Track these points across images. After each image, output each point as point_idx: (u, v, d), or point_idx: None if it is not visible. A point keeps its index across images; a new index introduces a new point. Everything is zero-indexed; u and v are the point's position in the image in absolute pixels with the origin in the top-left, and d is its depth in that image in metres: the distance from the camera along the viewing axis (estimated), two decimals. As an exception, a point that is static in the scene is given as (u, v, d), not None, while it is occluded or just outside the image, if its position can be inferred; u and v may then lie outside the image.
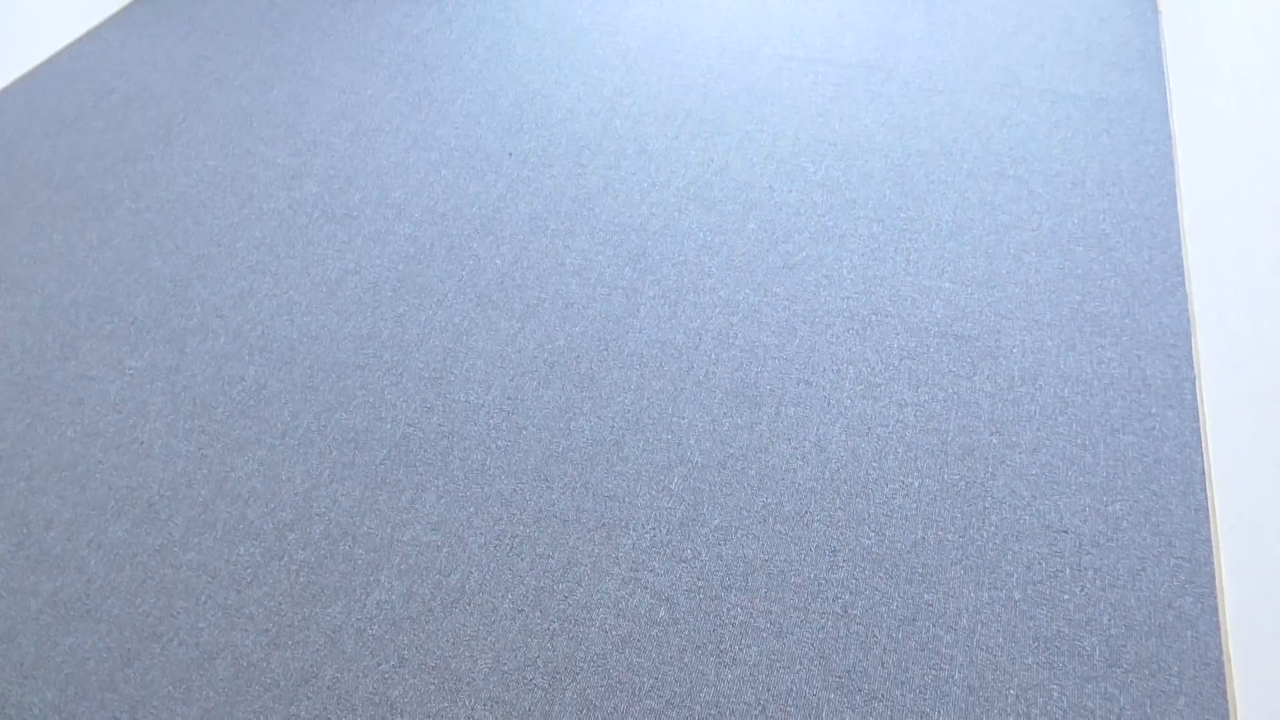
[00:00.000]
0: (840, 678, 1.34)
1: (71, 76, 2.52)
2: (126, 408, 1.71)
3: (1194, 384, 1.70)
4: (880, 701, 1.31)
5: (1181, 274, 1.92)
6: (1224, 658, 1.35)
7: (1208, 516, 1.50)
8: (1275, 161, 1.58)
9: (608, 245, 2.01)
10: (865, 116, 2.35)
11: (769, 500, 1.54)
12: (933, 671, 1.34)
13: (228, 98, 2.44)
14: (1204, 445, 1.60)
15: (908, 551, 1.47)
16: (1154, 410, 1.66)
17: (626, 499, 1.54)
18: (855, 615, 1.40)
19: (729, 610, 1.40)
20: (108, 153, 2.27)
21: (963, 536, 1.49)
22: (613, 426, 1.65)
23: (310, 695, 1.34)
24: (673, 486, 1.56)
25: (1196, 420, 1.64)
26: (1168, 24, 2.60)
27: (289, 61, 2.58)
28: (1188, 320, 1.82)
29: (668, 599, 1.42)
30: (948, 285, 1.90)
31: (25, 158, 2.26)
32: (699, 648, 1.37)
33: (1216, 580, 1.43)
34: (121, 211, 2.11)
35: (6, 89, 2.49)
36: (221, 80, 2.51)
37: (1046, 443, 1.61)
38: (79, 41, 2.65)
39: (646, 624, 1.39)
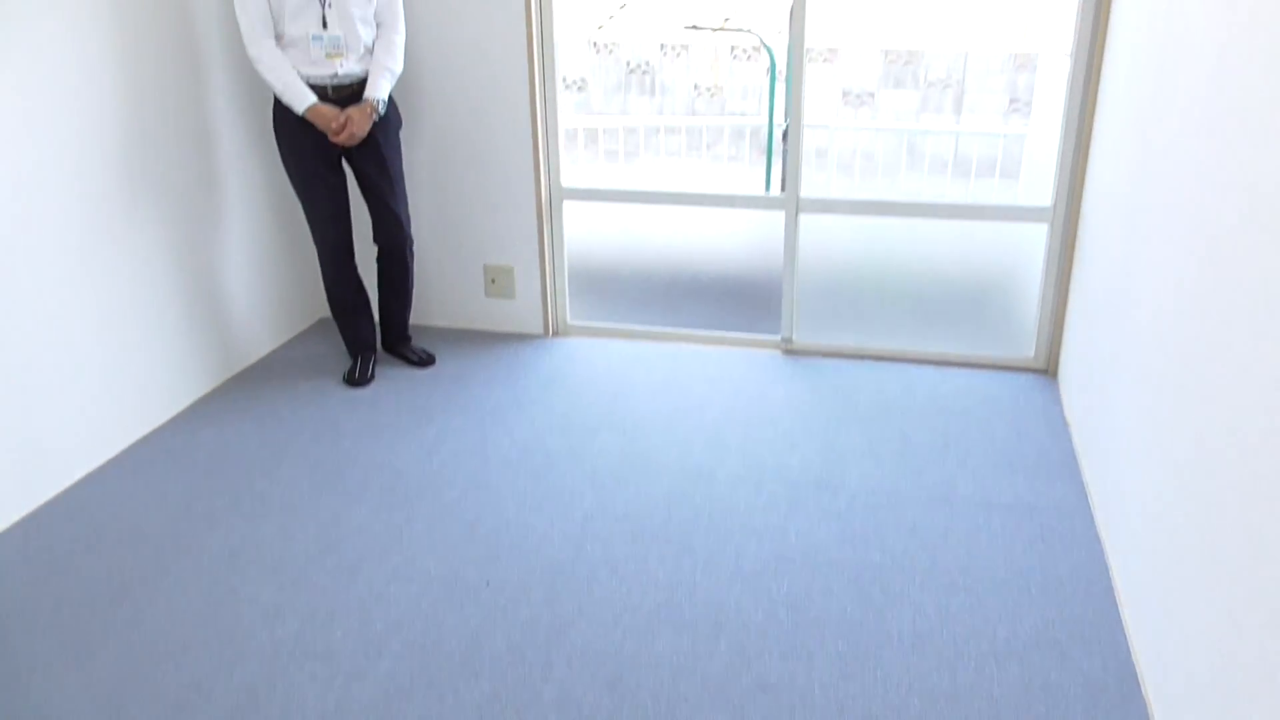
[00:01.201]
0: None
1: (68, 518, 2.65)
2: None
3: (1170, 799, 1.72)
4: None
5: (1135, 678, 2.00)
6: None
7: None
8: (1189, 572, 1.74)
9: (584, 673, 2.06)
10: (819, 532, 2.53)
11: None
12: None
13: (217, 535, 2.57)
14: None
15: None
16: (1137, 830, 1.67)
17: None
18: None
19: None
20: (95, 596, 2.34)
21: None
22: None
23: None
24: None
25: (1180, 839, 1.65)
26: (1076, 437, 2.90)
27: (277, 497, 2.74)
28: (1151, 730, 1.87)
29: None
30: (916, 701, 1.96)
31: (13, 604, 2.32)
32: None
33: None
34: (104, 658, 2.14)
35: (3, 534, 2.59)
36: (212, 518, 2.65)
37: None
38: (79, 484, 2.81)
39: None
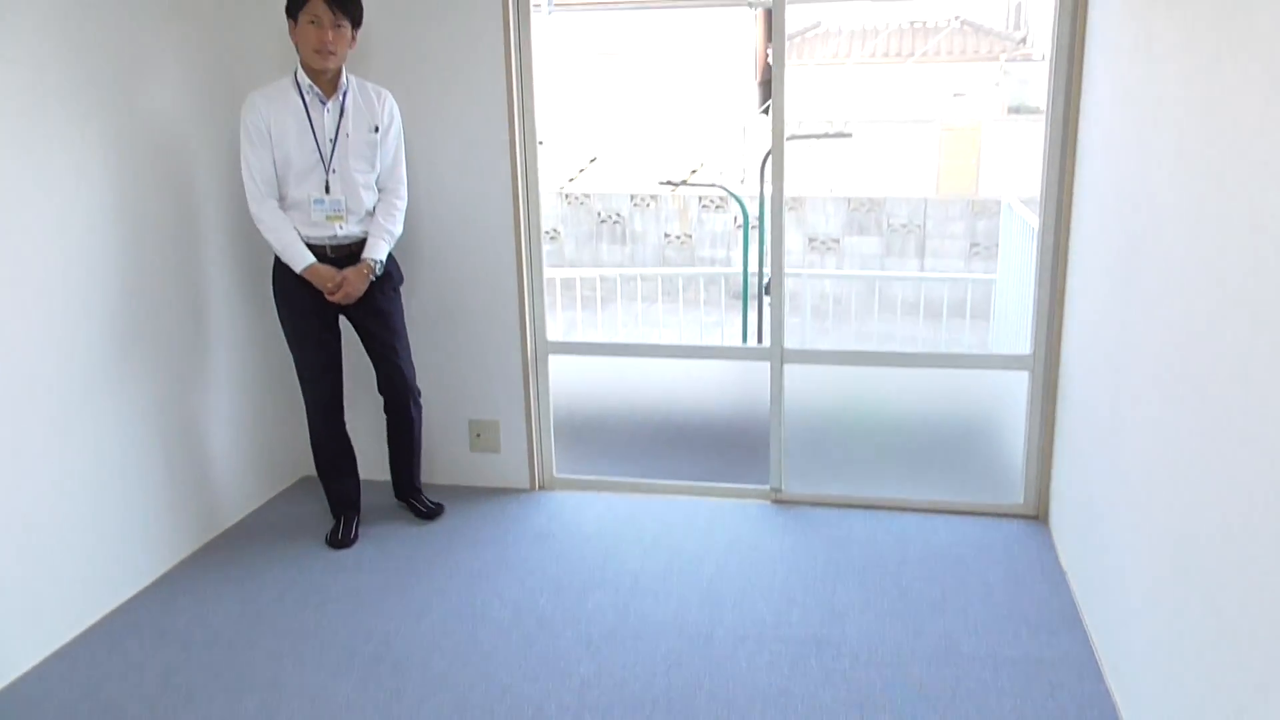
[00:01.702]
0: None
1: (36, 699, 2.52)
2: None
3: None
4: None
5: None
6: None
7: None
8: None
9: None
10: (824, 694, 2.45)
11: None
12: None
13: (196, 714, 2.45)
14: None
15: None
16: None
17: None
18: None
19: None
20: (63, 786, 2.20)
21: None
22: None
23: None
24: None
25: None
26: (1075, 585, 2.88)
27: (260, 669, 2.63)
28: None
29: None
30: None
31: (-27, 799, 2.17)
32: None
33: None
34: None
35: (-36, 718, 2.45)
36: (190, 694, 2.53)
37: None
38: (49, 660, 2.69)
39: None
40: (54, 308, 2.70)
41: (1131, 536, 2.29)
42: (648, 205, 11.07)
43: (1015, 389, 3.48)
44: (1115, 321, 2.52)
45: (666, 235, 11.10)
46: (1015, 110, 15.57)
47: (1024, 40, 15.45)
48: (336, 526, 3.41)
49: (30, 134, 2.60)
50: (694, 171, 11.36)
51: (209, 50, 3.32)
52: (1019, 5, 14.70)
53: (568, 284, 8.09)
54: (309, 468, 3.95)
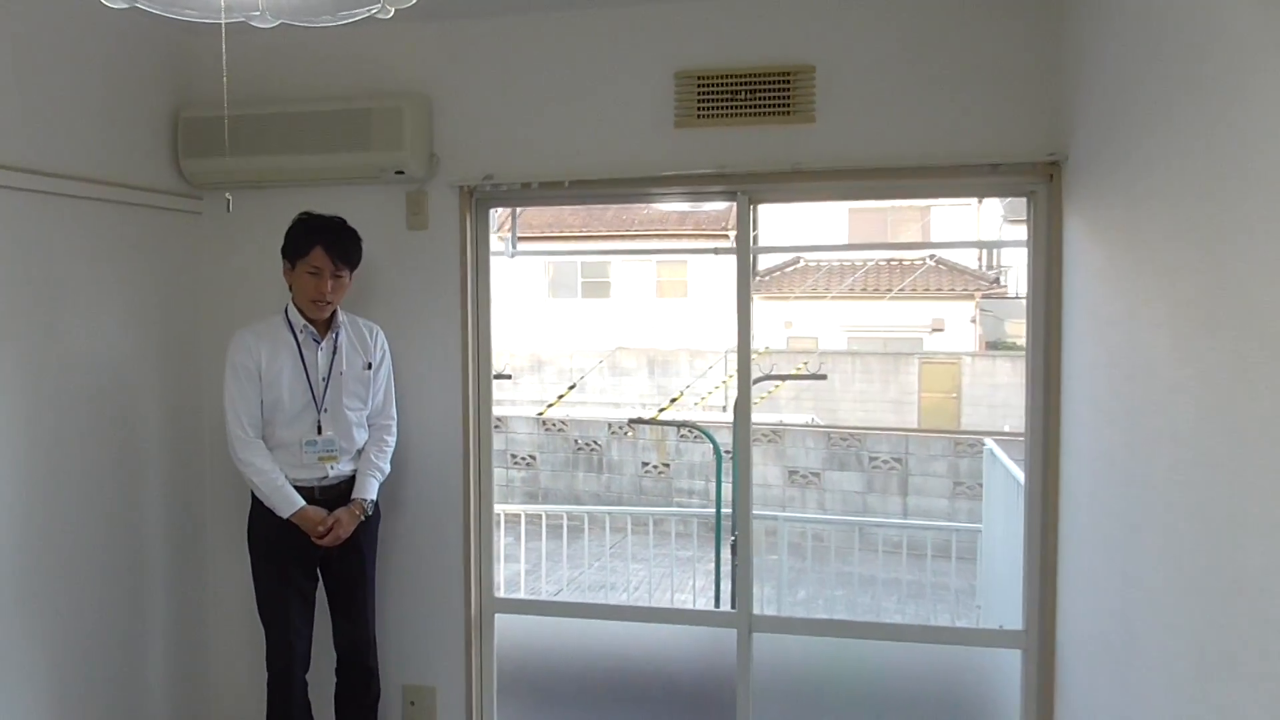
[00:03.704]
0: None
1: None
2: None
3: None
4: None
5: None
6: None
7: None
8: None
9: None
10: None
11: None
12: None
13: None
14: None
15: None
16: None
17: None
18: None
19: None
20: None
21: None
22: None
23: None
24: None
25: None
26: None
27: None
28: None
29: None
30: None
31: None
32: None
33: None
34: None
35: None
36: None
37: None
38: None
39: None
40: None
41: None
42: (625, 434, 10.93)
43: (1009, 664, 3.13)
44: (1117, 614, 2.26)
45: (645, 465, 10.88)
46: (993, 345, 15.88)
47: (997, 280, 15.99)
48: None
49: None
50: (673, 401, 11.32)
51: (160, 290, 3.22)
52: (992, 248, 15.32)
53: (535, 515, 7.79)
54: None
